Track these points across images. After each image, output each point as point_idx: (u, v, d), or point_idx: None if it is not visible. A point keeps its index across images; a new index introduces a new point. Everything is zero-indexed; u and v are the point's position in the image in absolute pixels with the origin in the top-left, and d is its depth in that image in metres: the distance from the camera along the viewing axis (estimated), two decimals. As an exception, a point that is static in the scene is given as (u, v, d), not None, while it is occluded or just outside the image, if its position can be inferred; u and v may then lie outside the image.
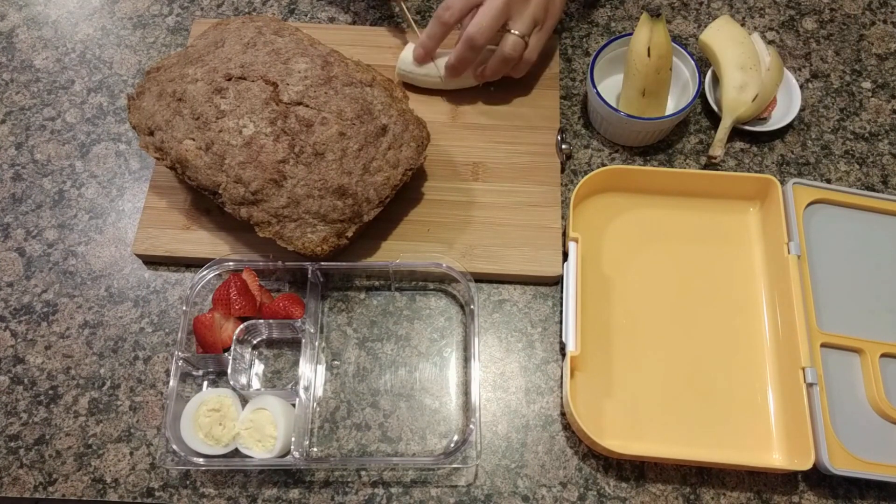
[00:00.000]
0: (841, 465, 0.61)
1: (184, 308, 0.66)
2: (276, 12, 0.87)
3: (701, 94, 0.79)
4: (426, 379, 0.67)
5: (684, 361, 0.67)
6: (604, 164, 0.77)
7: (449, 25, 0.72)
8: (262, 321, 0.66)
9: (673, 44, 0.72)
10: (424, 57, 0.76)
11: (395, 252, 0.71)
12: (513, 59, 0.73)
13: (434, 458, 0.63)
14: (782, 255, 0.69)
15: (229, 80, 0.66)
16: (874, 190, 0.76)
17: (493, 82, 0.79)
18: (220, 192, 0.65)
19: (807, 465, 0.60)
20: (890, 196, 0.73)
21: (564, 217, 0.73)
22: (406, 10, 0.80)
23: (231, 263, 0.68)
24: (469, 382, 0.66)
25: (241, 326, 0.65)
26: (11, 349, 0.69)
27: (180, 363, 0.64)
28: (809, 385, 0.63)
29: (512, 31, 0.71)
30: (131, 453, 0.65)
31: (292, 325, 0.66)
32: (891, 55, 0.84)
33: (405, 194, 0.73)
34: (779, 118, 0.78)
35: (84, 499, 0.63)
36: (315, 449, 0.65)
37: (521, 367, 0.68)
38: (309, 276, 0.67)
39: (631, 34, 0.74)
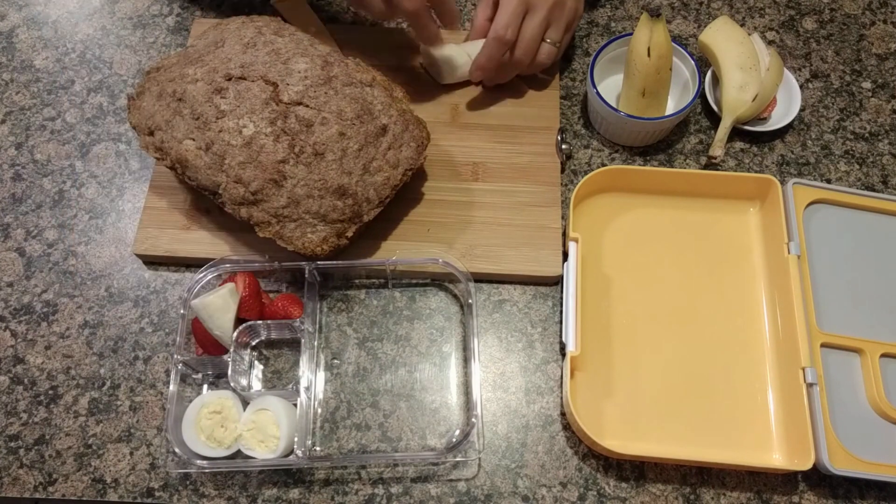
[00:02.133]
0: (841, 465, 0.61)
1: (181, 311, 0.66)
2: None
3: (701, 94, 0.79)
4: (426, 379, 0.67)
5: (684, 361, 0.67)
6: (604, 164, 0.77)
7: (510, 43, 0.73)
8: (260, 322, 0.66)
9: (673, 44, 0.72)
10: (481, 76, 0.77)
11: (395, 252, 0.71)
12: (546, 66, 0.77)
13: (438, 451, 0.63)
14: (782, 255, 0.69)
15: (229, 80, 0.66)
16: (874, 190, 0.76)
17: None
18: (220, 192, 0.65)
19: (807, 465, 0.60)
20: (890, 196, 0.73)
21: (564, 217, 0.73)
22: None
23: (230, 264, 0.68)
24: (469, 382, 0.66)
25: (241, 328, 0.65)
26: (11, 349, 0.69)
27: (180, 366, 0.64)
28: (809, 385, 0.63)
29: (547, 40, 0.74)
30: (131, 453, 0.65)
31: (291, 325, 0.66)
32: (891, 55, 0.84)
33: (405, 194, 0.73)
34: (779, 118, 0.78)
35: (84, 499, 0.63)
36: (318, 448, 0.65)
37: (521, 367, 0.68)
38: (306, 275, 0.67)
39: (631, 34, 0.74)
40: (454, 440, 0.64)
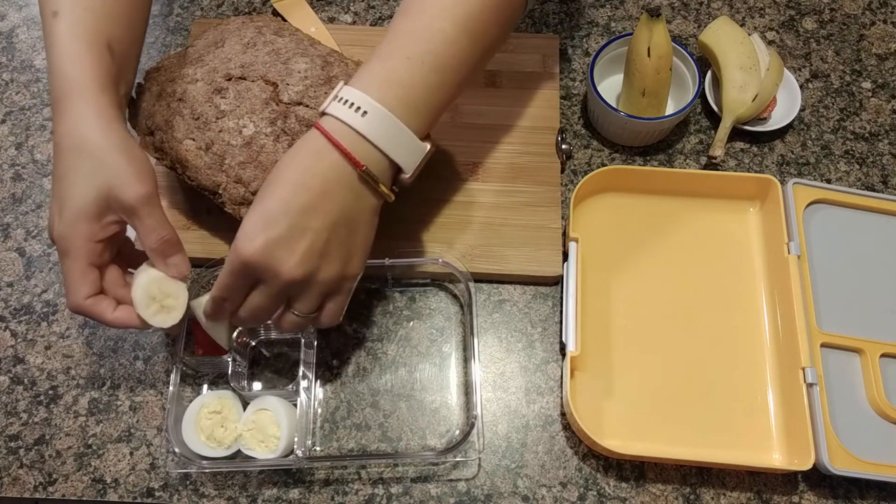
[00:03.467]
0: (841, 465, 0.61)
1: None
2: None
3: (701, 94, 0.79)
4: (426, 379, 0.67)
5: (684, 361, 0.67)
6: (604, 164, 0.77)
7: (219, 317, 0.59)
8: (261, 321, 0.66)
9: (673, 44, 0.72)
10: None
11: (390, 249, 0.70)
12: (293, 332, 0.61)
13: (438, 451, 0.63)
14: (782, 255, 0.69)
15: (229, 80, 0.66)
16: (874, 190, 0.76)
17: (495, 82, 0.79)
18: (220, 192, 0.65)
19: (807, 465, 0.60)
20: (890, 196, 0.73)
21: (564, 217, 0.73)
22: None
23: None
24: (469, 382, 0.66)
25: (241, 328, 0.65)
26: (11, 349, 0.69)
27: (180, 366, 0.64)
28: (809, 385, 0.63)
29: (293, 311, 0.56)
30: (131, 453, 0.65)
31: (292, 325, 0.66)
32: (891, 55, 0.84)
33: (405, 194, 0.72)
34: (779, 118, 0.78)
35: (84, 499, 0.63)
36: (318, 448, 0.65)
37: (521, 367, 0.68)
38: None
39: (631, 34, 0.74)
40: (454, 440, 0.64)
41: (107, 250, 0.56)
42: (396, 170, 0.56)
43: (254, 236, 0.52)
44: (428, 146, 0.56)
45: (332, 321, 0.58)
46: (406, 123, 0.54)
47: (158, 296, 0.57)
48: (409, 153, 0.55)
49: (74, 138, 0.54)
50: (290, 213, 0.52)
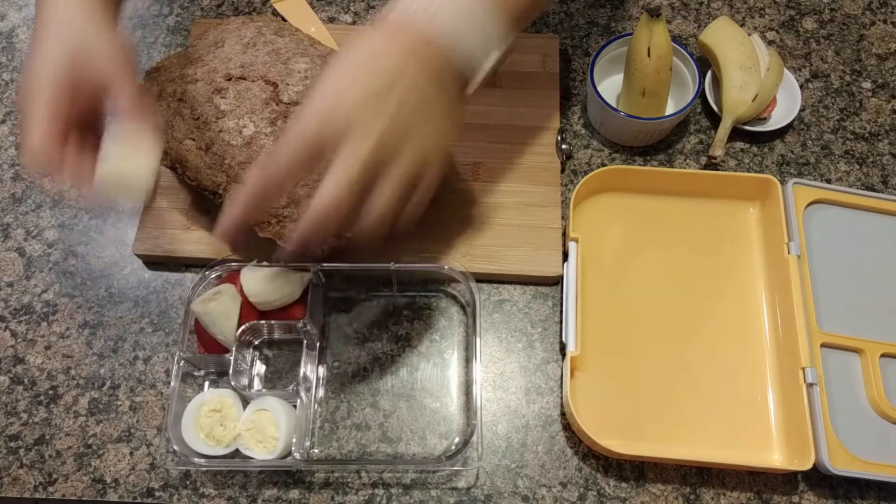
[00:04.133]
0: (841, 465, 0.61)
1: (184, 310, 0.66)
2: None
3: (701, 94, 0.79)
4: (426, 379, 0.67)
5: (684, 361, 0.67)
6: (604, 164, 0.77)
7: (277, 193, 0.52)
8: (263, 322, 0.66)
9: (673, 44, 0.72)
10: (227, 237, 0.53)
11: (396, 252, 0.70)
12: (374, 229, 0.52)
13: (436, 459, 0.63)
14: (782, 255, 0.69)
15: (229, 80, 0.66)
16: (874, 190, 0.76)
17: (495, 82, 0.79)
18: (220, 192, 0.65)
19: (807, 465, 0.60)
20: (890, 196, 0.73)
21: (564, 217, 0.73)
22: None
23: (231, 264, 0.68)
24: (470, 383, 0.66)
25: (244, 327, 0.65)
26: (11, 349, 0.69)
27: (181, 363, 0.64)
28: (809, 385, 0.63)
29: (377, 198, 0.50)
30: (131, 453, 0.65)
31: (293, 325, 0.66)
32: (891, 55, 0.84)
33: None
34: (779, 118, 0.78)
35: (84, 499, 0.63)
36: (316, 450, 0.65)
37: (521, 367, 0.68)
38: (311, 277, 0.67)
39: (631, 34, 0.74)
40: (454, 447, 0.64)
41: (74, 108, 0.54)
42: (472, 65, 0.51)
43: (337, 93, 0.47)
44: (504, 39, 0.52)
45: (415, 214, 0.54)
46: (482, 7, 0.50)
47: (127, 152, 0.56)
48: (486, 40, 0.51)
49: (57, 21, 0.54)
50: (364, 89, 0.48)
